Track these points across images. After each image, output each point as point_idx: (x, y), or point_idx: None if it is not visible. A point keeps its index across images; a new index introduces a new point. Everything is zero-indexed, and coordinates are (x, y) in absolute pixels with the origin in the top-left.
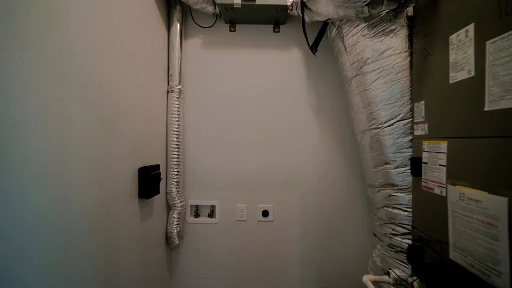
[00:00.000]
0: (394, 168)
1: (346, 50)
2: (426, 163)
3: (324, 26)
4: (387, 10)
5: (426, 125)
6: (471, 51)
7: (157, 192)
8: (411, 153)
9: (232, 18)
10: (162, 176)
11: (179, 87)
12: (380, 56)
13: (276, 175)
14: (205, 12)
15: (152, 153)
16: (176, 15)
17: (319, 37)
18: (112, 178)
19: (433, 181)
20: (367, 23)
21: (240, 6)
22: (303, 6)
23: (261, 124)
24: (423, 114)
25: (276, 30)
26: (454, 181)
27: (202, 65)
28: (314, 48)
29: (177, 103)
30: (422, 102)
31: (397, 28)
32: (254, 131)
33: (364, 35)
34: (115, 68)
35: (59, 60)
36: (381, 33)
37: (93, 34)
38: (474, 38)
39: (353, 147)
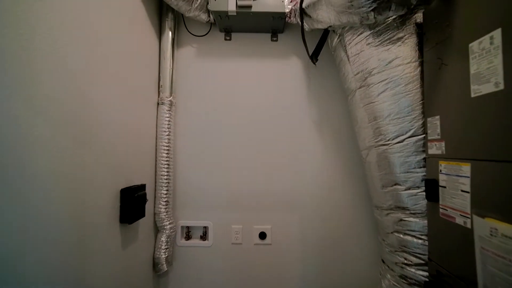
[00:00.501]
0: (405, 190)
1: (349, 60)
2: (445, 187)
3: (325, 34)
4: (394, 17)
5: (443, 143)
6: (498, 60)
7: (142, 214)
8: (424, 174)
9: (227, 26)
10: (150, 195)
11: (170, 98)
12: (387, 66)
13: (274, 193)
14: (199, 20)
15: (138, 171)
16: (168, 23)
17: (319, 46)
18: (87, 203)
19: (454, 209)
20: (371, 31)
21: (235, 14)
22: (302, 13)
23: (258, 138)
24: (438, 130)
25: (274, 38)
26: (481, 211)
27: (195, 75)
28: (314, 57)
29: (167, 115)
30: (437, 117)
31: (405, 36)
32: (251, 145)
33: (368, 44)
34: (93, 80)
35: (20, 73)
36: (388, 41)
37: (65, 40)
38: (502, 45)
39: (358, 164)
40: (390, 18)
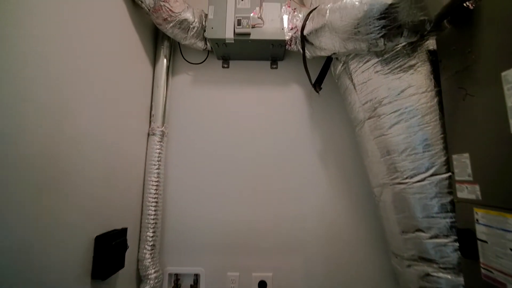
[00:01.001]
0: (430, 238)
1: (355, 88)
2: (486, 241)
3: (328, 61)
4: (404, 43)
5: (477, 186)
6: None
7: (121, 265)
8: (453, 220)
9: (225, 54)
10: (133, 239)
11: (162, 129)
12: (399, 96)
13: (275, 233)
14: (195, 48)
15: (120, 212)
16: (164, 50)
17: (322, 74)
18: (52, 256)
19: (503, 273)
20: (379, 58)
21: (233, 42)
22: (304, 41)
23: (258, 171)
24: (469, 171)
25: (274, 66)
26: None
27: (190, 104)
28: (317, 86)
29: (158, 147)
30: (466, 155)
31: (417, 63)
32: (250, 179)
33: (377, 72)
34: (70, 113)
35: None
36: (398, 69)
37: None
38: None
39: (369, 200)
40: (400, 45)
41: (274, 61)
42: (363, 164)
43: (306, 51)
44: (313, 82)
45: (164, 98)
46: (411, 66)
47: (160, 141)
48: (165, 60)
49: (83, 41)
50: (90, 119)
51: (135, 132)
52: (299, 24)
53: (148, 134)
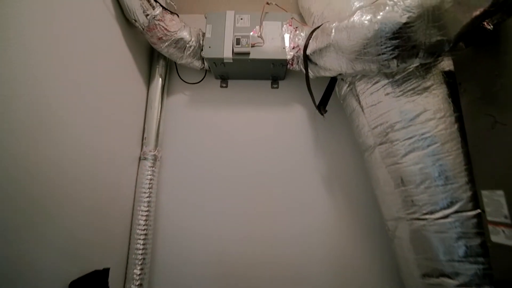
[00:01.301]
0: (459, 287)
1: (363, 111)
2: None
3: (332, 81)
4: (416, 64)
5: None
6: None
7: None
8: (486, 266)
9: (223, 73)
10: (119, 277)
11: (154, 153)
12: (414, 121)
13: (276, 267)
14: (192, 67)
15: (103, 249)
16: (159, 70)
17: (327, 95)
18: None
19: None
20: (390, 80)
21: (232, 61)
22: (307, 60)
23: (258, 198)
24: (505, 211)
25: (275, 85)
26: None
27: (186, 125)
28: (322, 108)
29: (150, 173)
30: (500, 192)
31: (432, 85)
32: (249, 210)
33: (387, 94)
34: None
35: None
36: (411, 91)
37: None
38: None
39: (381, 233)
40: (412, 66)
41: (275, 80)
42: (374, 193)
43: (309, 71)
44: (317, 104)
45: (158, 120)
46: (425, 89)
47: (152, 166)
48: (160, 79)
49: (71, 61)
50: (73, 146)
51: (125, 157)
52: (302, 43)
53: (140, 159)
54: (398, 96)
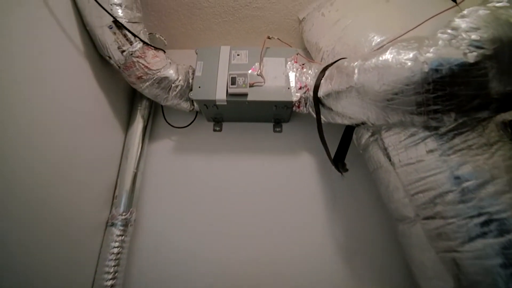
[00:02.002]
0: None
1: (395, 170)
2: None
3: (349, 129)
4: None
5: None
6: None
7: None
8: None
9: (217, 116)
10: None
11: (126, 216)
12: (477, 192)
13: None
14: (180, 109)
15: None
16: (141, 112)
17: (343, 147)
18: None
19: None
20: (432, 132)
21: (225, 103)
22: (318, 104)
23: (257, 270)
24: None
25: (278, 129)
26: None
27: (171, 178)
28: (340, 165)
29: (117, 244)
30: None
31: (498, 142)
32: (248, 280)
33: (431, 151)
34: None
35: None
36: (467, 149)
37: None
38: None
39: None
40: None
41: (278, 123)
42: (415, 280)
43: (321, 116)
44: (333, 158)
45: (134, 173)
46: (488, 146)
47: (122, 235)
48: (141, 124)
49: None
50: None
51: (85, 226)
52: (311, 83)
53: (106, 225)
54: (448, 155)
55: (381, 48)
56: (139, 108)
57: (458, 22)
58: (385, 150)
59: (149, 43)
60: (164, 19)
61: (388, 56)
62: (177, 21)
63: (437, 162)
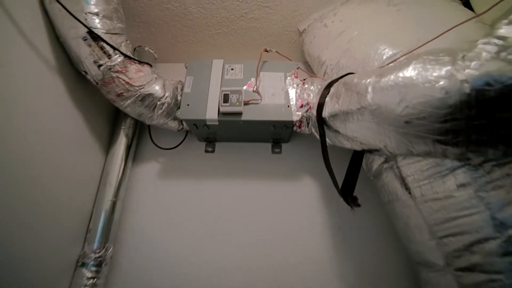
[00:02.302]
0: None
1: (416, 205)
2: None
3: (358, 154)
4: None
5: None
6: None
7: None
8: None
9: (209, 135)
10: None
11: (99, 254)
12: None
13: None
14: (167, 129)
15: None
16: (125, 131)
17: (352, 175)
18: None
19: None
20: (464, 163)
21: (217, 123)
22: (323, 125)
23: None
24: None
25: (277, 150)
26: None
27: (158, 207)
28: (350, 199)
29: None
30: None
31: None
32: None
33: (462, 186)
34: None
35: None
36: (510, 186)
37: None
38: None
39: None
40: None
41: (277, 143)
42: None
43: (327, 139)
44: (340, 188)
45: (112, 202)
46: None
47: (94, 277)
48: (124, 144)
49: None
50: None
51: (49, 267)
52: (313, 100)
53: (76, 265)
54: (487, 192)
55: (396, 62)
56: (122, 127)
57: (506, 30)
58: (402, 180)
59: (132, 56)
60: (153, 30)
61: (411, 72)
62: (167, 33)
63: (471, 200)
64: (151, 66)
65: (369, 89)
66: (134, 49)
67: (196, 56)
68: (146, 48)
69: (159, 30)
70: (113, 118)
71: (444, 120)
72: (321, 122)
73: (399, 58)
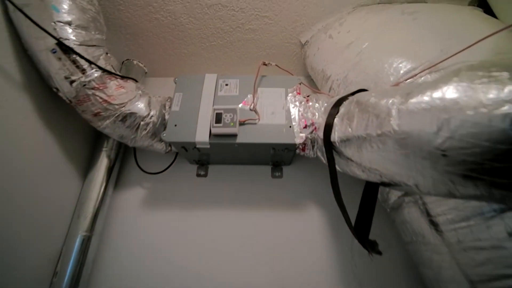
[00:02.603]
0: None
1: (452, 253)
2: None
3: (373, 185)
4: None
5: None
6: None
7: None
8: None
9: (201, 158)
10: None
11: None
12: None
13: None
14: (153, 151)
15: None
16: (106, 153)
17: (366, 212)
18: None
19: None
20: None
21: (208, 146)
22: (332, 152)
23: None
24: None
25: (277, 174)
26: None
27: (142, 241)
28: (368, 244)
29: None
30: None
31: None
32: None
33: None
34: None
35: None
36: None
37: None
38: None
39: None
40: None
41: (278, 166)
42: None
43: (336, 166)
44: (354, 228)
45: (86, 237)
46: None
47: None
48: (104, 169)
49: None
50: None
51: None
52: (319, 120)
53: None
54: None
55: (422, 78)
56: (104, 148)
57: None
58: (430, 218)
59: (112, 71)
60: (141, 43)
61: (453, 92)
62: (157, 46)
63: None
64: (136, 81)
65: (393, 112)
66: (122, 63)
67: (189, 69)
68: (134, 62)
69: (148, 42)
70: (94, 138)
71: (508, 158)
72: (330, 147)
73: (420, 72)
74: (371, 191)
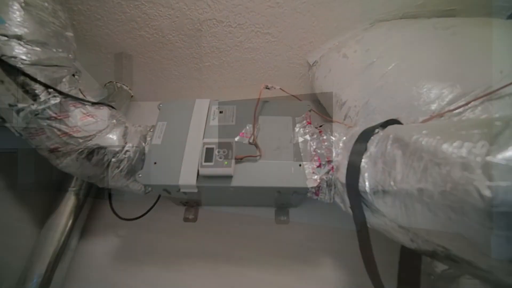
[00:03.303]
0: None
1: None
2: None
3: (411, 253)
4: None
5: None
6: None
7: None
8: None
9: (190, 199)
10: None
11: None
12: None
13: None
14: (130, 191)
15: None
16: (74, 192)
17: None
18: None
19: None
20: None
21: (196, 191)
22: (361, 204)
23: None
24: None
25: (283, 218)
26: None
27: None
28: None
29: None
30: None
31: None
32: None
33: None
34: None
35: None
36: None
37: None
38: None
39: None
40: None
41: (284, 208)
42: None
43: (367, 221)
44: None
45: None
46: None
47: None
48: (67, 214)
49: None
50: None
51: None
52: (338, 158)
53: None
54: None
55: (478, 107)
56: (71, 188)
57: None
58: None
59: (80, 96)
60: (125, 63)
61: None
62: (143, 66)
63: None
64: (112, 108)
65: (477, 169)
66: (105, 85)
67: (180, 93)
68: (118, 85)
69: (132, 62)
70: (60, 176)
71: None
72: (357, 198)
73: (474, 100)
74: (414, 258)
